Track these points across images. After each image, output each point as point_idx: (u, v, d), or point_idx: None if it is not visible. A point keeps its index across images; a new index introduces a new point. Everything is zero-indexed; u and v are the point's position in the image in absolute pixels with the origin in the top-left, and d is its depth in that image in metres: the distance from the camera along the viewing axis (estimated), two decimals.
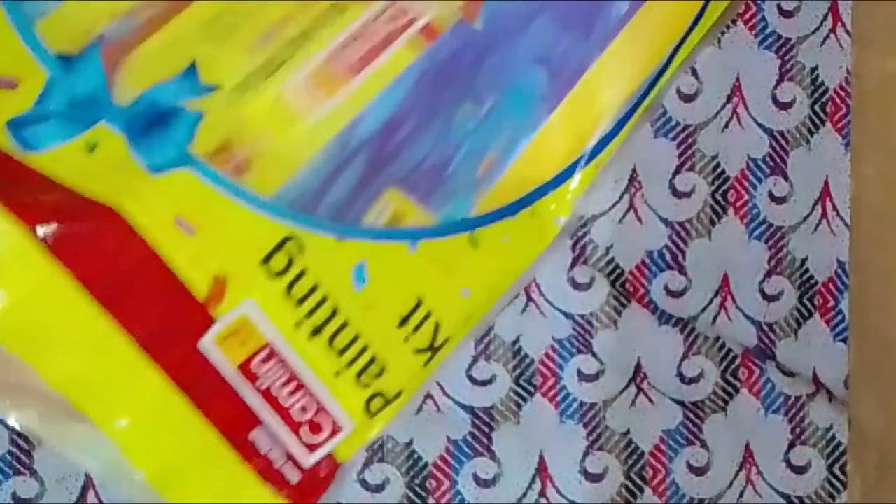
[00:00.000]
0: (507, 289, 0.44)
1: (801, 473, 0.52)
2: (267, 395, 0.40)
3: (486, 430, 0.50)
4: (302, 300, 0.40)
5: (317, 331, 0.40)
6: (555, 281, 0.50)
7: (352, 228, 0.41)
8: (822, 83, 0.53)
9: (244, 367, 0.39)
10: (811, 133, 0.53)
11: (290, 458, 0.41)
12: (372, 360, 0.41)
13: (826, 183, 0.53)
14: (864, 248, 0.54)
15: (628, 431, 0.51)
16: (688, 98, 0.51)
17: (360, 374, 0.41)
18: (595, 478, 0.50)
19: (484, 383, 0.50)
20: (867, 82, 0.53)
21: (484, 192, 0.43)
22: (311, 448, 0.41)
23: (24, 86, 0.38)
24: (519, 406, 0.50)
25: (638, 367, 0.51)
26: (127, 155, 0.38)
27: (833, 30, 0.53)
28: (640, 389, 0.51)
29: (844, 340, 0.54)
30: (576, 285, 0.50)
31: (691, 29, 0.45)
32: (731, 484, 0.52)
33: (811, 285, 0.53)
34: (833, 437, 0.53)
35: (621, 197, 0.50)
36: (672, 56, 0.45)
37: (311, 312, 0.40)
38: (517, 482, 0.50)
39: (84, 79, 0.38)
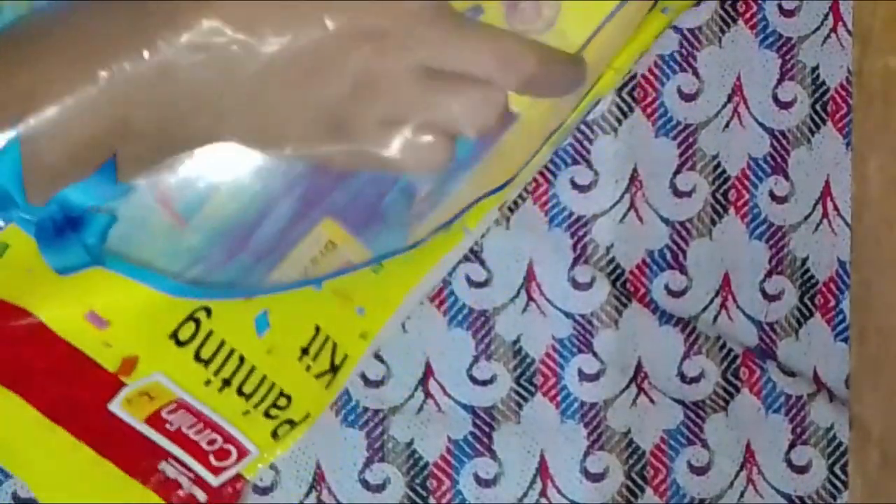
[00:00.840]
0: (403, 301, 0.46)
1: (802, 473, 0.52)
2: (176, 435, 0.44)
3: (487, 429, 0.50)
4: (210, 360, 0.42)
5: (226, 382, 0.43)
6: (555, 280, 0.50)
7: (260, 290, 0.43)
8: (823, 82, 0.53)
9: (152, 419, 0.43)
10: (812, 132, 0.53)
11: (197, 481, 0.45)
12: (280, 395, 0.44)
13: (827, 182, 0.53)
14: (865, 248, 0.54)
15: (629, 431, 0.51)
16: (688, 97, 0.51)
17: (268, 410, 0.44)
18: (596, 477, 0.50)
19: (485, 383, 0.49)
20: (868, 81, 0.53)
21: (418, 226, 0.44)
22: (218, 471, 0.45)
23: None
24: (520, 406, 0.50)
25: (639, 367, 0.51)
26: (37, 257, 0.39)
27: (834, 29, 0.53)
28: (640, 389, 0.51)
29: (845, 340, 0.53)
30: (576, 285, 0.50)
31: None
32: (731, 484, 0.52)
33: (812, 285, 0.53)
34: (834, 437, 0.53)
35: (622, 196, 0.50)
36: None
37: (219, 369, 0.43)
38: (518, 482, 0.50)
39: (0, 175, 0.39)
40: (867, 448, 0.53)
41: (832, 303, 0.53)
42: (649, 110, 0.50)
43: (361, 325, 0.46)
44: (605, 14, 0.44)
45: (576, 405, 0.50)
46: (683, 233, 0.51)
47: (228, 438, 0.44)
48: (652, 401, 0.51)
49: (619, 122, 0.50)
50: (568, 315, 0.50)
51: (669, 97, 0.50)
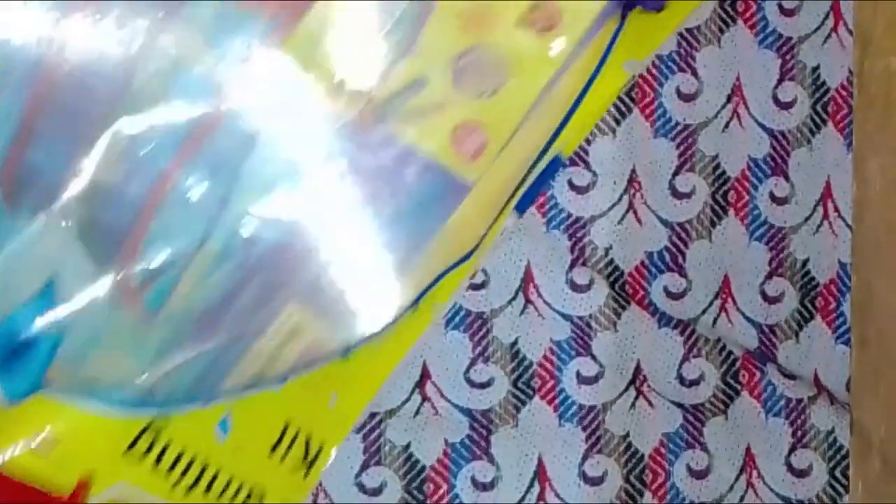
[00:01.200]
0: (381, 385, 0.46)
1: (803, 477, 0.52)
2: None
3: (485, 433, 0.49)
4: (171, 468, 0.42)
5: (192, 486, 0.43)
6: (553, 283, 0.50)
7: (216, 395, 0.43)
8: (824, 83, 0.52)
9: None
10: (812, 133, 0.52)
11: None
12: (250, 494, 0.44)
13: (828, 183, 0.53)
14: (866, 250, 0.53)
15: (628, 434, 0.50)
16: (688, 98, 0.51)
17: None
18: (594, 481, 0.50)
19: (482, 386, 0.49)
20: (869, 82, 0.53)
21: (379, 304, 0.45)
22: None
23: None
24: (517, 409, 0.50)
25: (637, 370, 0.51)
26: None
27: (835, 29, 0.52)
28: (639, 392, 0.51)
29: (846, 343, 0.53)
30: (575, 287, 0.50)
31: (564, 122, 0.46)
32: (731, 488, 0.51)
33: (812, 287, 0.53)
34: (835, 441, 0.52)
35: (620, 198, 0.50)
36: (548, 146, 0.46)
37: (182, 474, 0.42)
38: (516, 486, 0.50)
39: None
40: (868, 452, 0.53)
41: (833, 305, 0.53)
42: (648, 111, 0.50)
43: (336, 412, 0.46)
44: (549, 78, 0.44)
45: (574, 408, 0.50)
46: (683, 234, 0.51)
47: None
48: (651, 404, 0.51)
49: (618, 122, 0.50)
50: (566, 317, 0.50)
51: (668, 98, 0.50)
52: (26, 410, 0.40)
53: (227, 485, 0.44)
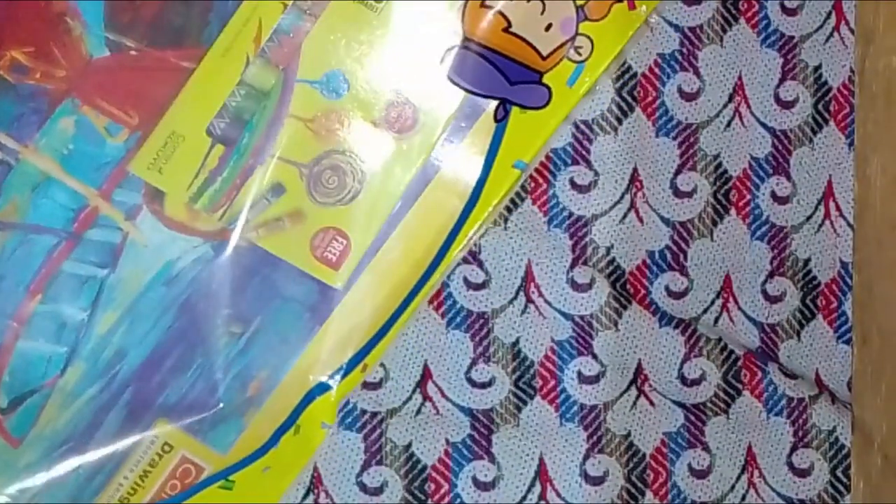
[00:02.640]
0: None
1: (804, 476, 0.52)
2: None
3: (486, 432, 0.49)
4: None
5: None
6: (554, 282, 0.50)
7: None
8: (826, 82, 0.52)
9: None
10: (814, 132, 0.52)
11: None
12: None
13: (829, 183, 0.53)
14: (867, 249, 0.53)
15: (629, 434, 0.50)
16: (689, 97, 0.51)
17: None
18: (596, 481, 0.50)
19: (483, 385, 0.49)
20: (871, 81, 0.53)
21: (254, 413, 0.45)
22: None
23: None
24: (519, 408, 0.50)
25: (639, 369, 0.51)
26: None
27: (836, 28, 0.52)
28: (640, 391, 0.51)
29: (848, 342, 0.53)
30: (576, 286, 0.50)
31: (452, 237, 0.46)
32: (733, 487, 0.51)
33: (814, 286, 0.53)
34: (836, 440, 0.52)
35: (622, 197, 0.50)
36: (438, 260, 0.46)
37: None
38: (517, 485, 0.49)
39: None
40: (870, 451, 0.53)
41: (834, 304, 0.53)
42: (650, 110, 0.50)
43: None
44: (412, 177, 0.44)
45: (575, 408, 0.50)
46: (684, 233, 0.51)
47: None
48: (652, 403, 0.51)
49: (620, 121, 0.50)
50: (567, 317, 0.50)
51: (670, 97, 0.50)
52: None
53: None
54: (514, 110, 0.46)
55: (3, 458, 0.43)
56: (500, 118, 0.45)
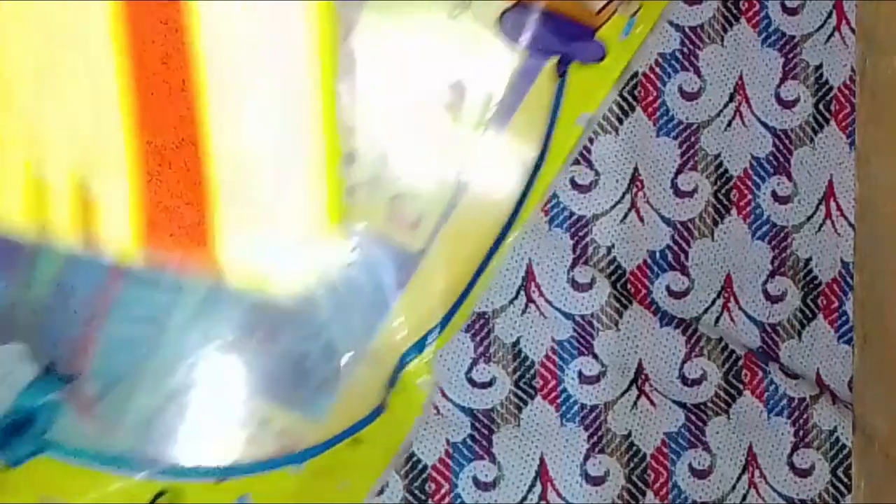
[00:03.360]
0: (385, 469, 0.47)
1: (805, 476, 0.52)
2: None
3: (486, 432, 0.49)
4: None
5: None
6: (555, 281, 0.49)
7: (230, 469, 0.43)
8: (827, 81, 0.52)
9: None
10: (815, 132, 0.52)
11: None
12: None
13: (830, 182, 0.53)
14: (868, 249, 0.53)
15: (630, 434, 0.50)
16: (690, 96, 0.51)
17: None
18: (596, 481, 0.50)
19: (484, 385, 0.49)
20: (872, 80, 0.53)
21: (343, 384, 0.46)
22: None
23: None
24: (519, 408, 0.49)
25: (639, 369, 0.50)
26: None
27: (837, 27, 0.52)
28: (641, 391, 0.50)
29: (849, 342, 0.53)
30: (576, 286, 0.50)
31: (527, 189, 0.47)
32: (734, 487, 0.51)
33: (815, 286, 0.53)
34: (837, 440, 0.52)
35: (623, 196, 0.50)
36: (514, 215, 0.47)
37: None
38: (517, 485, 0.49)
39: None
40: (871, 451, 0.53)
41: (835, 304, 0.53)
42: (650, 109, 0.50)
43: (343, 497, 0.46)
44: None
45: (576, 408, 0.50)
46: (685, 233, 0.51)
47: None
48: (653, 403, 0.51)
49: (620, 121, 0.50)
50: (568, 316, 0.50)
51: (671, 96, 0.50)
52: (31, 471, 0.41)
53: None
54: (573, 66, 0.47)
55: (100, 439, 0.43)
56: (561, 73, 0.46)
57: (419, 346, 0.46)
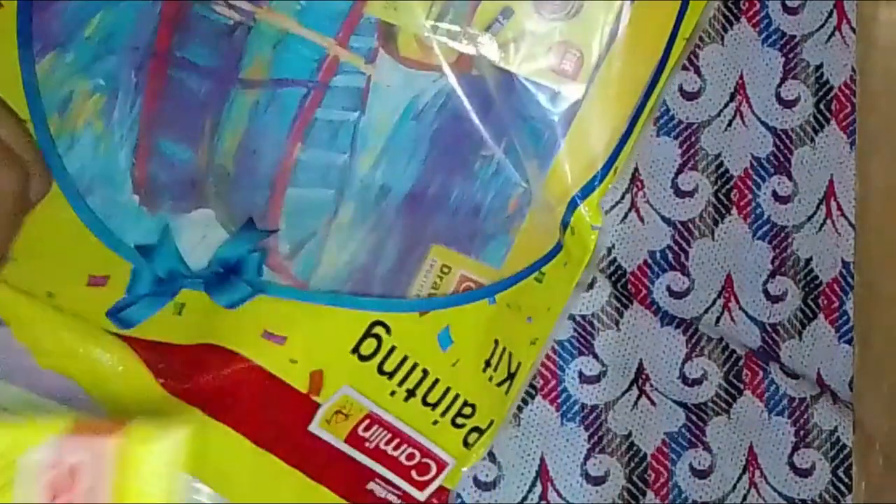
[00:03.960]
0: (564, 305, 0.48)
1: (806, 476, 0.52)
2: (376, 452, 0.46)
3: None
4: (393, 373, 0.45)
5: (411, 393, 0.45)
6: None
7: (432, 302, 0.46)
8: (827, 81, 0.52)
9: (351, 437, 0.45)
10: (816, 131, 0.52)
11: (405, 496, 0.47)
12: (464, 404, 0.46)
13: (831, 182, 0.53)
14: (869, 248, 0.53)
15: (630, 434, 0.50)
16: (690, 96, 0.50)
17: (454, 418, 0.46)
18: (596, 480, 0.50)
19: None
20: (873, 80, 0.53)
21: (518, 227, 0.47)
22: (422, 486, 0.47)
23: (112, 280, 0.44)
24: (520, 408, 0.49)
25: (640, 369, 0.50)
26: (211, 304, 0.44)
27: (838, 27, 0.52)
28: (642, 391, 0.50)
29: (849, 341, 0.53)
30: (577, 286, 0.50)
31: (677, 29, 0.47)
32: (734, 487, 0.51)
33: (816, 286, 0.53)
34: (838, 440, 0.52)
35: (623, 196, 0.50)
36: (665, 58, 0.46)
37: (403, 380, 0.45)
38: (518, 485, 0.49)
39: (163, 262, 0.44)
40: (871, 451, 0.53)
41: (836, 304, 0.53)
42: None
43: (531, 332, 0.48)
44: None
45: (576, 407, 0.50)
46: (685, 233, 0.51)
47: (425, 452, 0.47)
48: (653, 403, 0.51)
49: None
50: (568, 316, 0.50)
51: (671, 96, 0.50)
52: (252, 310, 0.44)
53: (444, 394, 0.46)
54: None
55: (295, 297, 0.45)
56: None
57: (587, 189, 0.46)
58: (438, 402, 0.46)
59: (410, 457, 0.46)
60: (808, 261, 0.53)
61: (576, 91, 0.46)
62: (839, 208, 0.53)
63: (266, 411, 0.44)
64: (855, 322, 0.53)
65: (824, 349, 0.53)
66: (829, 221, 0.53)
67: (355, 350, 0.44)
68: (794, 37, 0.52)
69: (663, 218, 0.51)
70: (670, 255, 0.51)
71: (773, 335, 0.52)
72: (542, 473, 0.50)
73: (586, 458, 0.50)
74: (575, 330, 0.50)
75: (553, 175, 0.46)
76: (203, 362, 0.44)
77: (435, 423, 0.46)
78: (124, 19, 0.44)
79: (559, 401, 0.50)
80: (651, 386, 0.51)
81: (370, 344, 0.44)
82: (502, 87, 0.46)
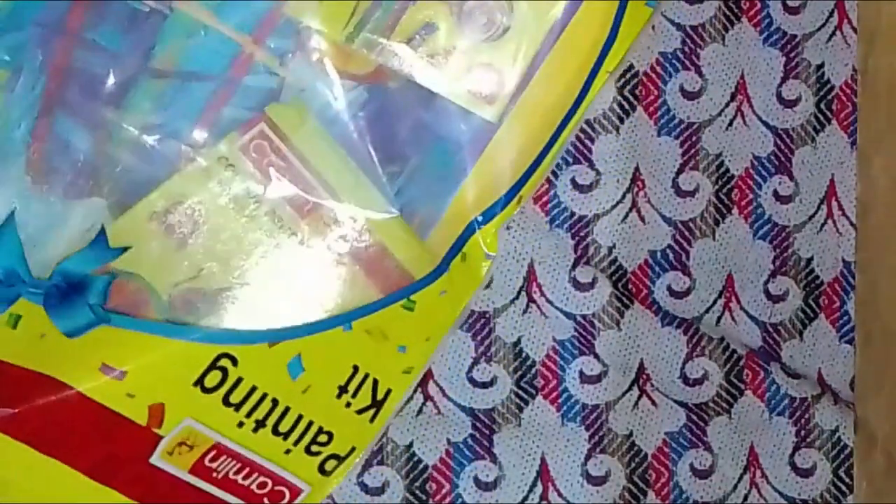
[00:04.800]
0: (446, 334, 0.47)
1: (807, 476, 0.52)
2: (225, 482, 0.45)
3: (487, 432, 0.49)
4: (240, 404, 0.44)
5: (260, 423, 0.44)
6: (556, 281, 0.49)
7: (282, 333, 0.44)
8: (828, 81, 0.52)
9: (196, 468, 0.44)
10: (817, 131, 0.52)
11: None
12: (319, 431, 0.45)
13: (832, 182, 0.53)
14: (870, 248, 0.53)
15: (631, 434, 0.50)
16: (692, 96, 0.50)
17: (308, 446, 0.45)
18: (597, 481, 0.50)
19: (485, 385, 0.49)
20: (874, 79, 0.53)
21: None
22: None
23: None
24: (520, 408, 0.49)
25: (641, 369, 0.50)
26: (48, 323, 0.42)
27: (839, 26, 0.52)
28: (642, 391, 0.50)
29: (850, 341, 0.53)
30: (578, 285, 0.50)
31: (601, 61, 0.46)
32: (735, 487, 0.51)
33: (817, 285, 0.53)
34: (839, 440, 0.52)
35: (624, 196, 0.50)
36: (585, 90, 0.46)
37: (251, 411, 0.44)
38: (518, 485, 0.49)
39: (3, 257, 0.42)
40: (872, 451, 0.53)
41: (837, 304, 0.53)
42: (651, 109, 0.50)
43: (404, 361, 0.46)
44: (559, 13, 0.44)
45: (577, 407, 0.50)
46: (686, 233, 0.51)
47: (278, 480, 0.45)
48: (654, 403, 0.51)
49: (621, 120, 0.50)
50: (569, 316, 0.50)
51: (672, 95, 0.50)
52: (89, 340, 0.42)
53: (296, 422, 0.45)
54: None
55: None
56: None
57: (488, 214, 0.46)
58: (291, 431, 0.45)
59: (262, 485, 0.45)
60: (809, 261, 0.52)
61: (491, 114, 0.45)
62: (840, 208, 0.53)
63: (102, 446, 0.43)
64: (856, 322, 0.53)
65: (825, 349, 0.53)
66: (830, 221, 0.53)
67: (198, 383, 0.43)
68: (795, 36, 0.52)
69: (664, 218, 0.51)
70: (671, 255, 0.51)
71: (774, 335, 0.52)
72: (543, 473, 0.49)
73: (587, 458, 0.50)
74: (576, 330, 0.50)
75: (457, 197, 0.46)
76: (31, 391, 0.42)
77: (287, 451, 0.45)
78: None
79: (560, 401, 0.50)
80: (652, 386, 0.51)
81: (214, 376, 0.43)
82: (418, 103, 0.45)
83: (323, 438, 0.45)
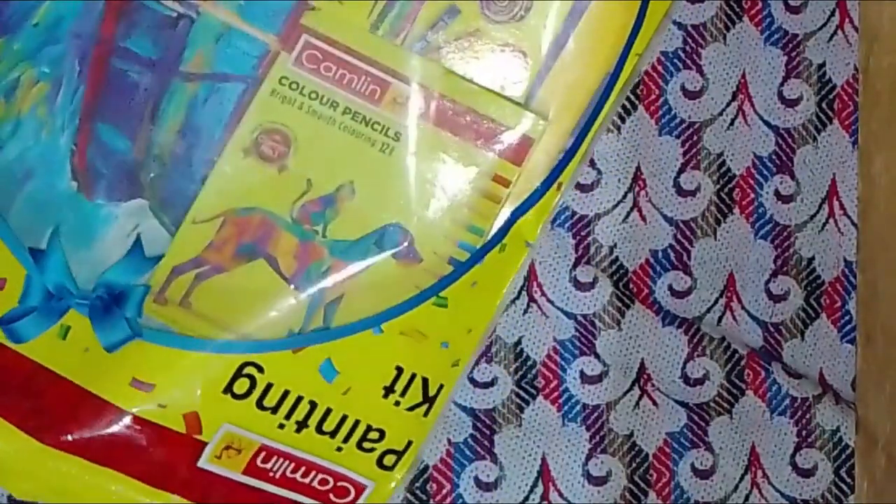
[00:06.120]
0: (490, 321, 0.47)
1: (808, 476, 0.52)
2: (284, 481, 0.45)
3: (488, 432, 0.49)
4: (276, 408, 0.44)
5: (302, 424, 0.45)
6: (557, 281, 0.49)
7: (300, 338, 0.44)
8: (830, 80, 0.52)
9: (250, 469, 0.45)
10: (818, 131, 0.52)
11: None
12: (368, 429, 0.45)
13: (833, 181, 0.53)
14: (871, 248, 0.53)
15: (632, 434, 0.50)
16: (693, 95, 0.50)
17: (360, 443, 0.46)
18: (598, 481, 0.50)
19: (485, 385, 0.49)
20: (875, 79, 0.53)
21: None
22: None
23: (9, 284, 0.44)
24: (521, 408, 0.49)
25: (642, 369, 0.50)
26: (91, 337, 0.44)
27: (840, 26, 0.52)
28: (643, 391, 0.50)
29: (852, 341, 0.53)
30: (578, 285, 0.49)
31: (630, 44, 0.46)
32: (736, 487, 0.51)
33: (818, 285, 0.53)
34: (840, 440, 0.52)
35: (625, 196, 0.50)
36: (617, 73, 0.46)
37: (289, 413, 0.45)
38: (519, 485, 0.49)
39: (52, 273, 0.44)
40: (874, 451, 0.53)
41: (838, 303, 0.53)
42: (653, 108, 0.50)
43: (450, 355, 0.46)
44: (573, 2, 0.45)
45: (578, 407, 0.50)
46: (687, 232, 0.51)
47: (337, 476, 0.46)
48: (655, 403, 0.50)
49: (623, 120, 0.50)
50: (570, 316, 0.50)
51: (673, 95, 0.50)
52: (125, 356, 0.44)
53: (342, 421, 0.45)
54: None
55: None
56: None
57: (526, 204, 0.46)
58: (337, 430, 0.45)
59: (323, 482, 0.46)
60: (811, 260, 0.52)
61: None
62: (841, 207, 0.53)
63: (151, 455, 0.44)
64: (857, 322, 0.53)
65: (827, 349, 0.53)
66: (831, 221, 0.53)
67: (227, 390, 0.44)
68: (797, 35, 0.52)
69: (665, 217, 0.51)
70: (672, 255, 0.51)
71: (776, 335, 0.52)
72: (544, 473, 0.49)
73: (588, 458, 0.50)
74: (576, 330, 0.50)
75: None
76: (79, 415, 0.44)
77: (339, 449, 0.45)
78: (71, 8, 0.44)
79: (560, 401, 0.50)
80: (653, 386, 0.50)
81: (242, 384, 0.44)
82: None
83: (374, 436, 0.46)
